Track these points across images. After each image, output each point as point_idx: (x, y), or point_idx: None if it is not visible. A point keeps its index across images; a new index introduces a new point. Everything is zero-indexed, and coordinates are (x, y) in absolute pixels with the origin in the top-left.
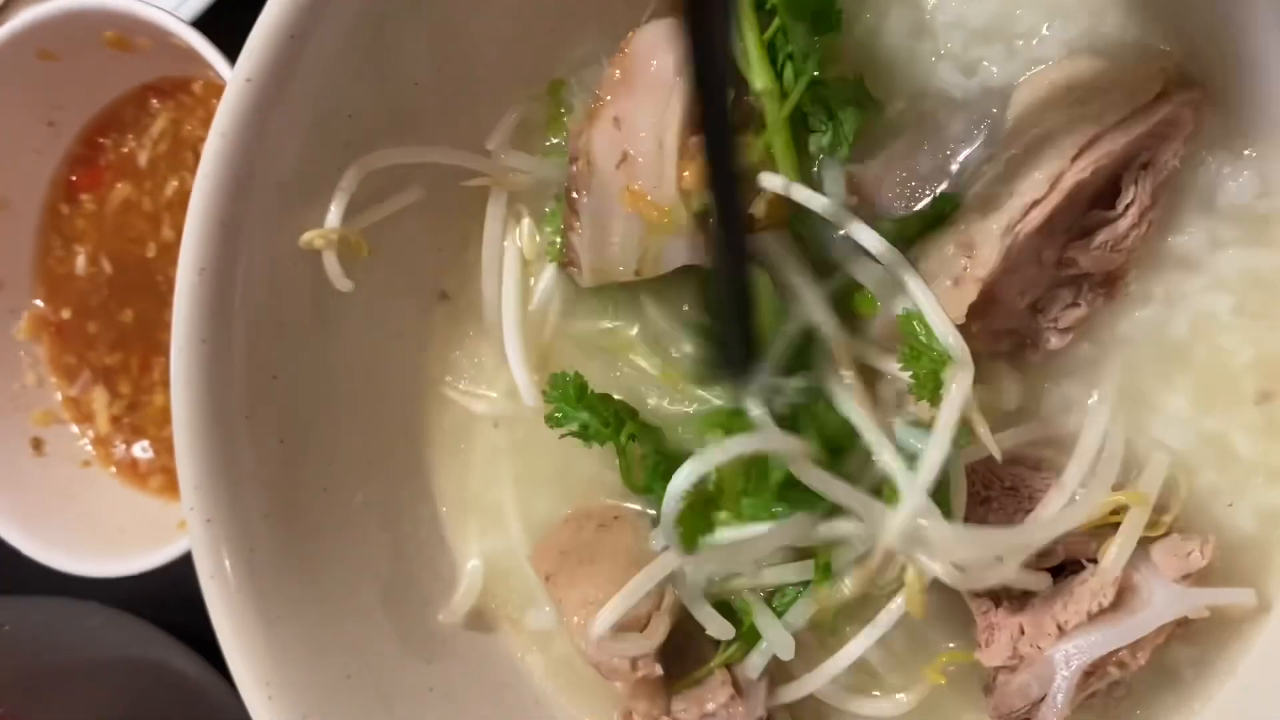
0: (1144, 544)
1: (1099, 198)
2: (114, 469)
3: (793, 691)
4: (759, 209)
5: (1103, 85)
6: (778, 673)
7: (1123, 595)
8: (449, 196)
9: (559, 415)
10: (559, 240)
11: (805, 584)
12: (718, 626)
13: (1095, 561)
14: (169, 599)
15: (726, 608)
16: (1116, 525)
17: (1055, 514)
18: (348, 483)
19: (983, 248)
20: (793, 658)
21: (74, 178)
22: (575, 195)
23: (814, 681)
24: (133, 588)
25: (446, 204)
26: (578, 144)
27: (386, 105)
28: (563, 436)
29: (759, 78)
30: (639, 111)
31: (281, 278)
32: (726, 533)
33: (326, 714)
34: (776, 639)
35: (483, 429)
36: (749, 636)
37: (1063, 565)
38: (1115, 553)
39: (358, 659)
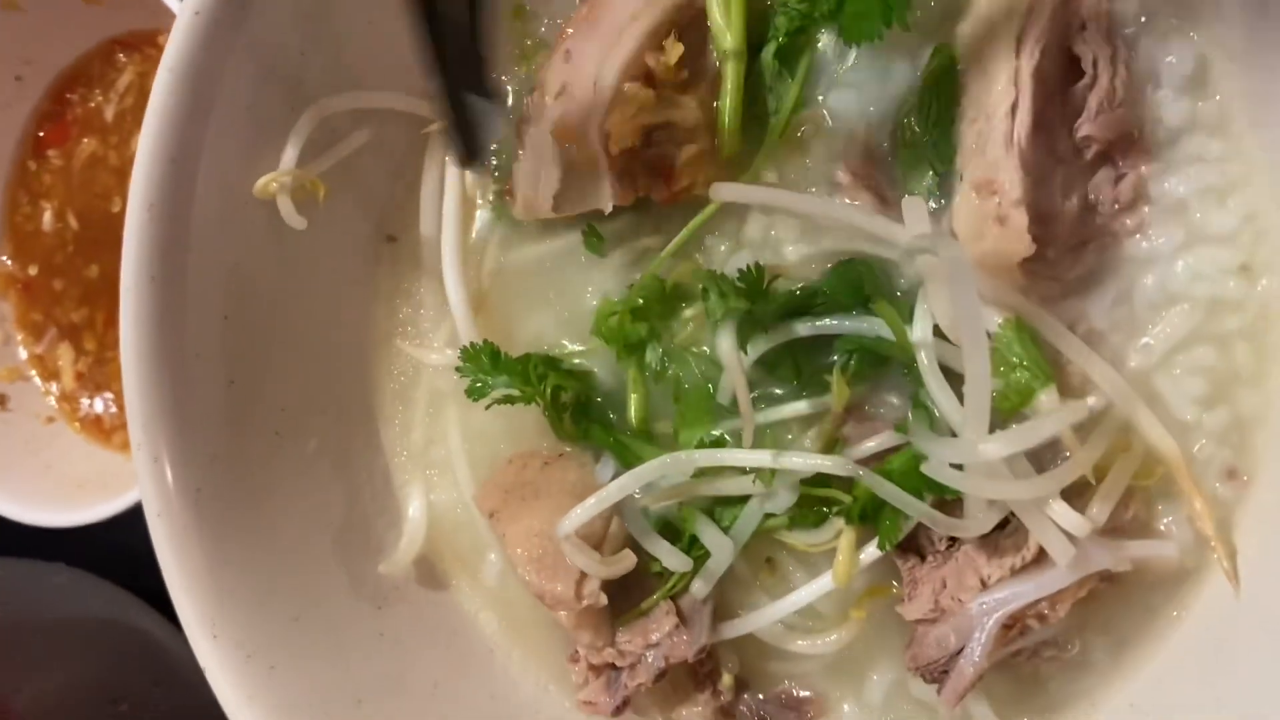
0: (1069, 499)
1: (1067, 75)
2: (78, 424)
3: (735, 628)
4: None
5: None
6: (721, 609)
7: (1044, 550)
8: (400, 139)
9: (478, 386)
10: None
11: (746, 498)
12: (671, 557)
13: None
14: (136, 561)
15: (673, 535)
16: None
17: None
18: (300, 428)
19: (1000, 175)
20: (731, 561)
21: (41, 134)
22: (525, 122)
23: (756, 621)
24: (99, 549)
25: (397, 147)
26: (539, 75)
27: (337, 43)
28: (488, 406)
29: (731, 36)
30: (589, 48)
31: (234, 217)
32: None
33: (272, 654)
34: (715, 543)
35: (430, 377)
36: (692, 552)
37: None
38: (1099, 504)
39: (307, 602)
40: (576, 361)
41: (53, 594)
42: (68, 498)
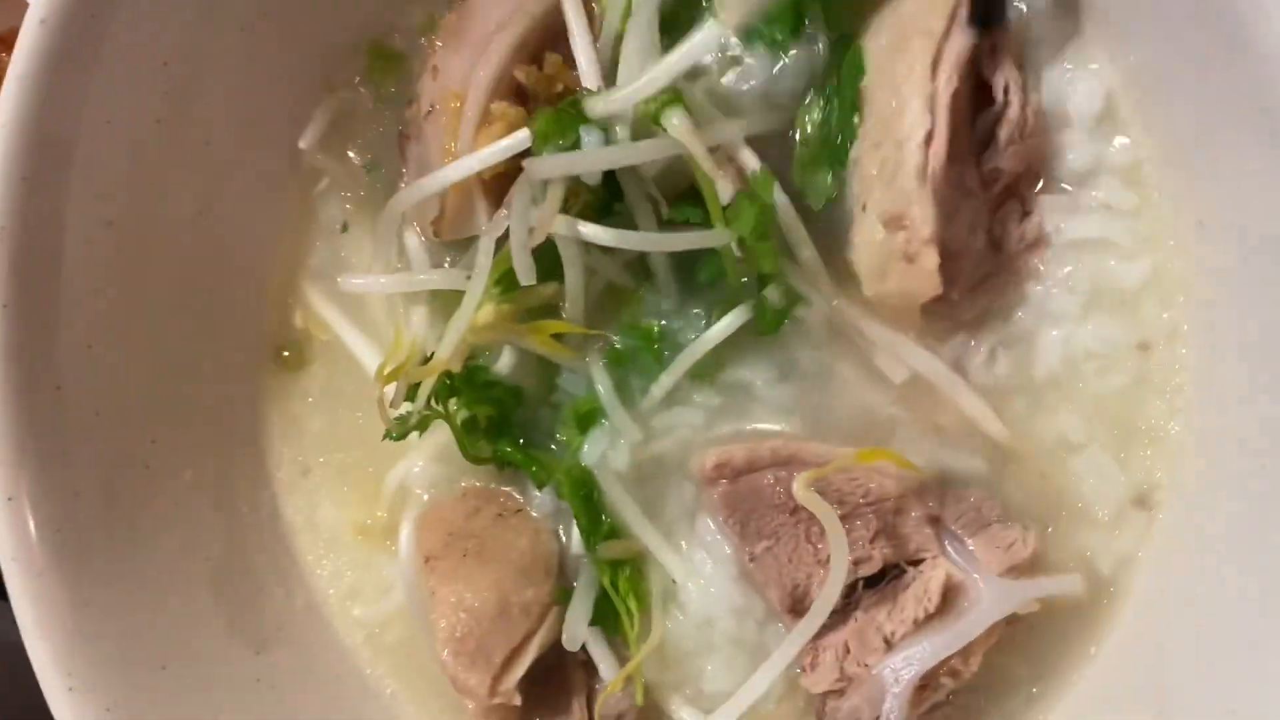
0: (963, 538)
1: (976, 103)
2: None
3: None
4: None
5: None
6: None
7: (948, 595)
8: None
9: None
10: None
11: None
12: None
13: (914, 565)
14: None
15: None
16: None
17: None
18: (173, 459)
19: (911, 209)
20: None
21: None
22: (406, 139)
23: None
24: None
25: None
26: (415, 86)
27: (205, 53)
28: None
29: None
30: (455, 62)
31: (97, 239)
32: None
33: (134, 706)
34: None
35: (324, 402)
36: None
37: (882, 572)
38: None
39: (178, 647)
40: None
41: None
42: None
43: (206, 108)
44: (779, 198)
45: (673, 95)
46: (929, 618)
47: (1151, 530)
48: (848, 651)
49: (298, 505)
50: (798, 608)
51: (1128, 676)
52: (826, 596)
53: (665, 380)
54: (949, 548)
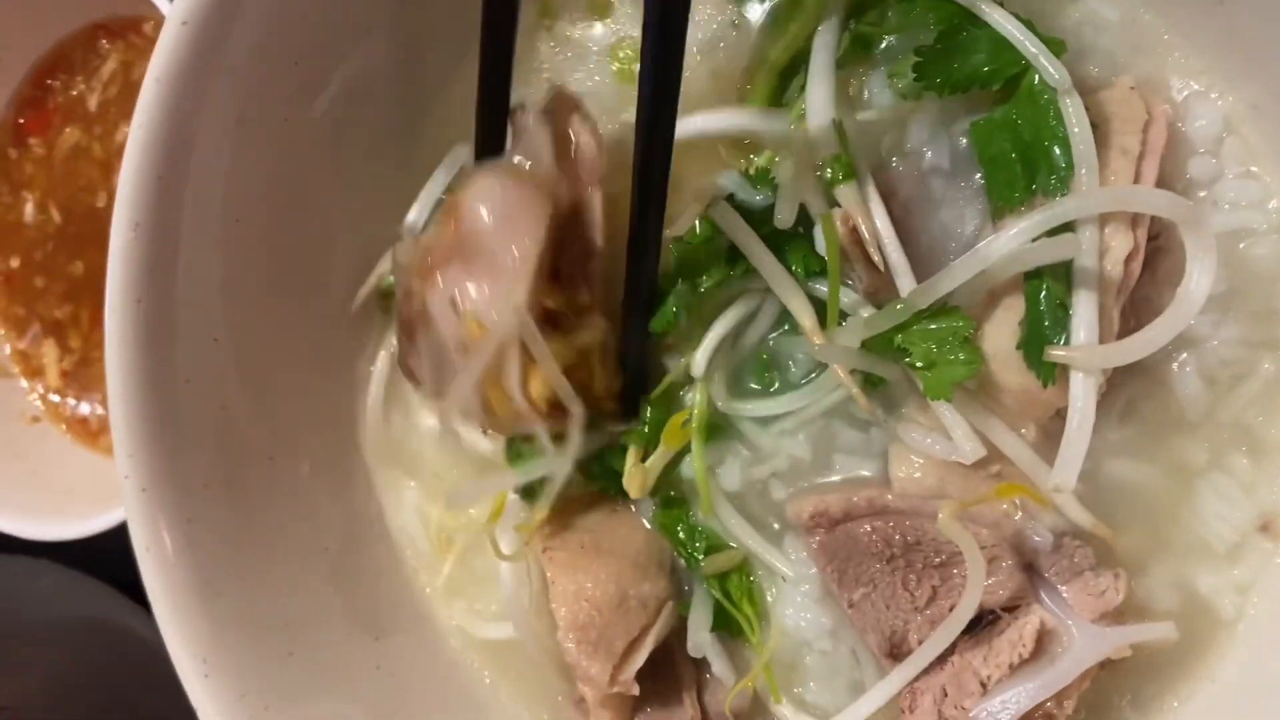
0: (1056, 585)
1: None
2: (64, 426)
3: None
4: None
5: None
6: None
7: (1041, 641)
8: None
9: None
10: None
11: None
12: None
13: (1009, 611)
14: (128, 560)
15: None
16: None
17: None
18: (294, 451)
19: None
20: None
21: (21, 120)
22: (410, 324)
23: None
24: (87, 544)
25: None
26: (409, 282)
27: (334, 54)
28: None
29: None
30: (476, 297)
31: (225, 235)
32: None
33: (266, 693)
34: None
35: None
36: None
37: (979, 618)
38: None
39: (302, 635)
40: None
41: (39, 594)
42: (56, 506)
43: (333, 108)
44: None
45: None
46: (1023, 663)
47: (1275, 559)
48: (945, 695)
49: (407, 499)
50: (895, 652)
51: (1240, 710)
52: (953, 621)
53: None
54: (1043, 594)
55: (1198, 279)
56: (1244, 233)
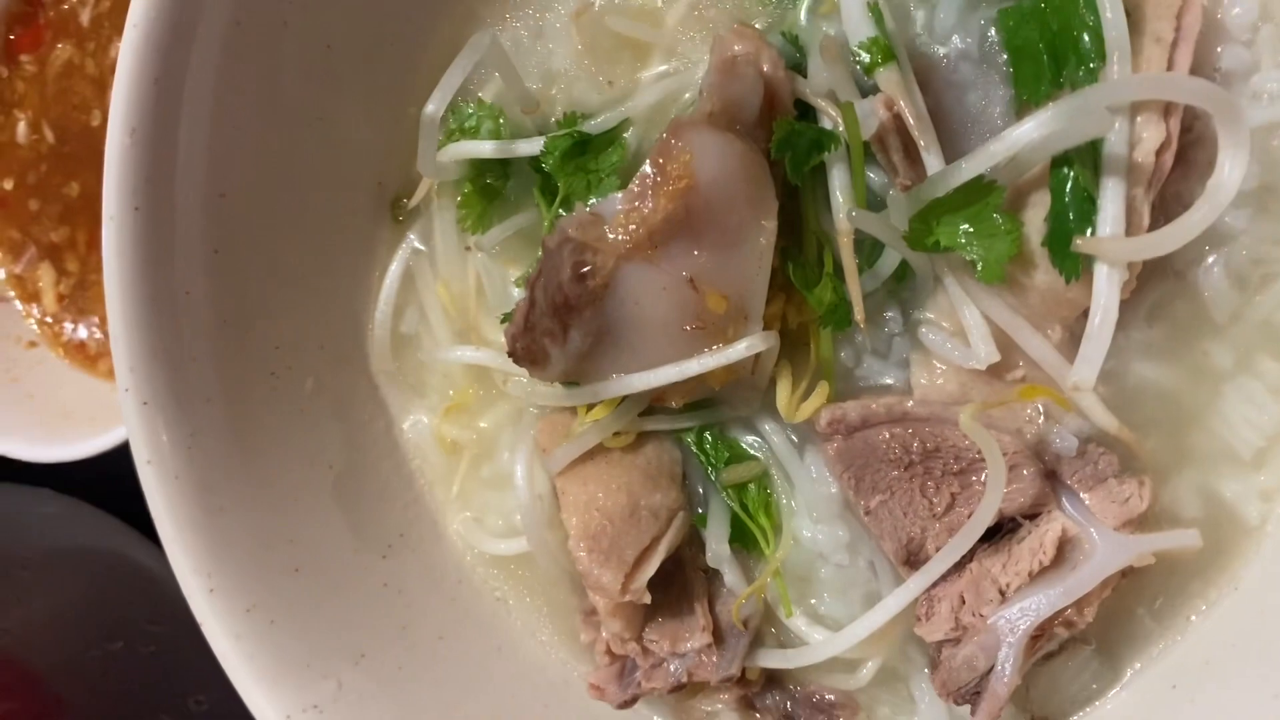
0: (1078, 492)
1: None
2: (61, 350)
3: (771, 658)
4: None
5: None
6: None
7: (1062, 549)
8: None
9: None
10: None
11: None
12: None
13: (1030, 518)
14: (131, 489)
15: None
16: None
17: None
18: (297, 367)
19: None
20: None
21: (12, 36)
22: (566, 304)
23: (794, 659)
24: (87, 472)
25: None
26: (592, 260)
27: None
28: None
29: None
30: (720, 273)
31: (223, 142)
32: None
33: (271, 608)
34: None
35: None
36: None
37: (998, 525)
38: None
39: (308, 552)
40: None
41: (41, 523)
42: (53, 429)
43: (330, 12)
44: None
45: None
46: (1044, 570)
47: None
48: (963, 602)
49: (413, 420)
50: (913, 560)
51: (1264, 617)
52: (971, 527)
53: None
54: (1065, 501)
55: (1230, 172)
56: (1278, 128)
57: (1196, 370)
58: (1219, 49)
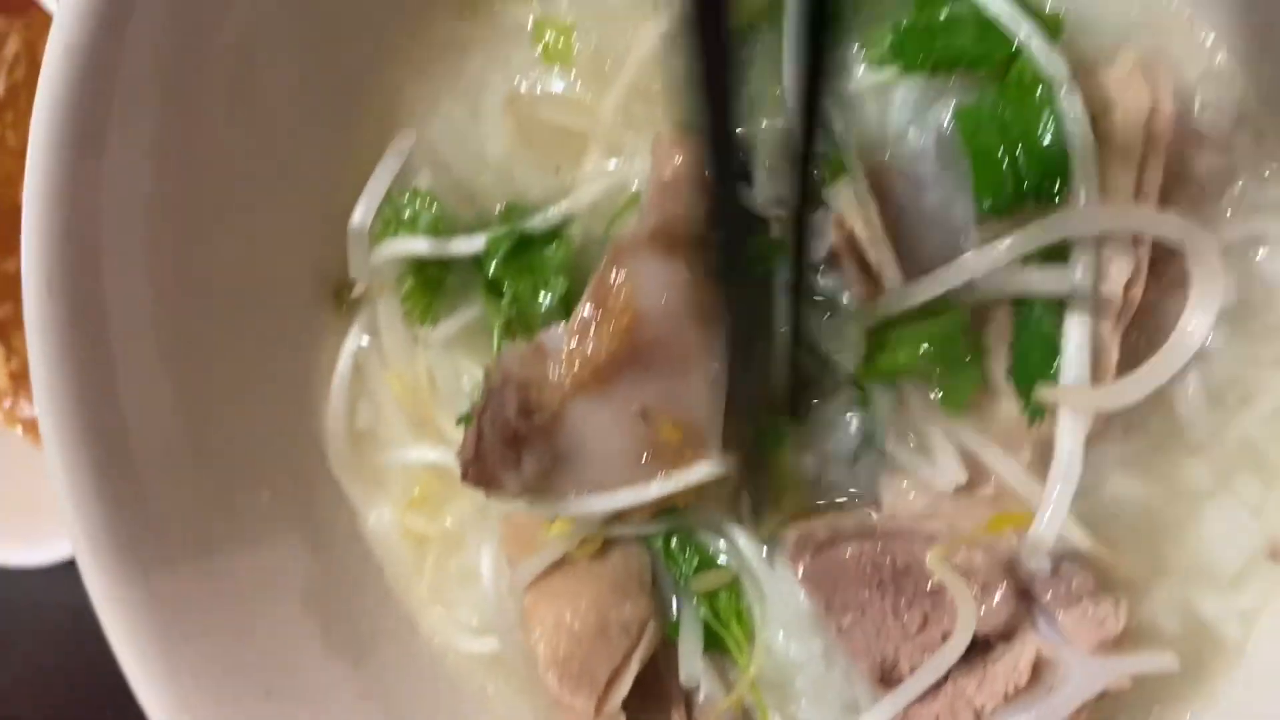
0: (1053, 612)
1: None
2: (20, 429)
3: None
4: None
5: None
6: None
7: (1037, 670)
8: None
9: None
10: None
11: None
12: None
13: (1004, 638)
14: None
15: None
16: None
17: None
18: (251, 480)
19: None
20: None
21: None
22: (518, 435)
23: None
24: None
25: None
26: (536, 396)
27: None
28: None
29: None
30: (672, 403)
31: (150, 254)
32: None
33: None
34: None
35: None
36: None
37: (972, 643)
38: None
39: (280, 672)
40: None
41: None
42: (21, 524)
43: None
44: None
45: None
46: (1019, 692)
47: None
48: None
49: (376, 515)
50: (887, 679)
51: None
52: (938, 663)
53: None
54: (1040, 621)
55: (1198, 319)
56: (1257, 241)
57: (1173, 486)
58: (1194, 155)
